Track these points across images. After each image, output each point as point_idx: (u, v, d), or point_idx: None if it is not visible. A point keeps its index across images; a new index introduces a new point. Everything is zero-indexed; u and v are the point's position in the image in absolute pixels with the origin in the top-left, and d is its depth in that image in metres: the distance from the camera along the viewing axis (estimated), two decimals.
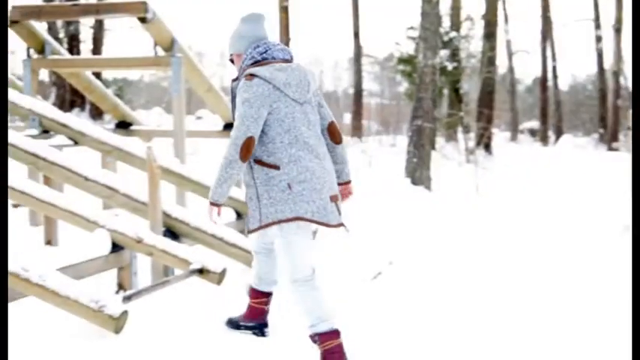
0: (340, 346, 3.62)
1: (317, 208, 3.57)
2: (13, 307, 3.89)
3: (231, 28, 3.80)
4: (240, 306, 4.38)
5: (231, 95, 3.77)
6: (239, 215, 6.15)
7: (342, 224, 3.76)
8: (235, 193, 5.95)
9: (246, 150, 3.49)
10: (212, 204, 3.62)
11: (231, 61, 3.84)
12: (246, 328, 4.05)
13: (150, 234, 4.78)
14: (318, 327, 3.62)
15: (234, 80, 3.76)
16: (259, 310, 4.08)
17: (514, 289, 5.16)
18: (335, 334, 3.63)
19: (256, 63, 3.67)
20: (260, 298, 4.07)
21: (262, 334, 4.04)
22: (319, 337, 3.63)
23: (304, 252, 3.68)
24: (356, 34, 25.54)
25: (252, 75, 3.57)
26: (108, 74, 26.20)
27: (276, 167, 3.57)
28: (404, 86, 27.63)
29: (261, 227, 3.61)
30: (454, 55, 20.19)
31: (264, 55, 3.69)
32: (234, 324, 4.06)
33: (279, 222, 3.55)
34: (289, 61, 3.76)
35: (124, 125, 9.66)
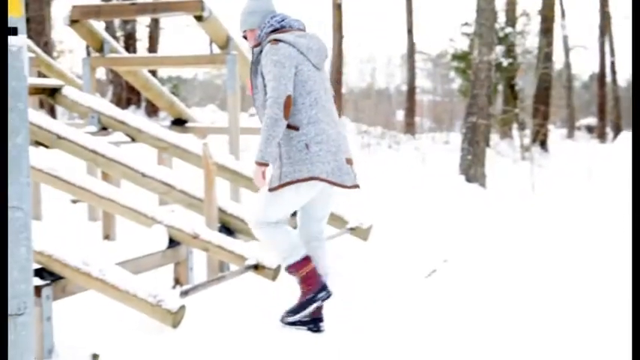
0: (314, 270, 3.93)
1: (332, 169, 3.77)
2: (73, 301, 3.98)
3: (241, 6, 3.97)
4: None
5: (252, 61, 3.88)
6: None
7: (357, 185, 3.93)
8: None
9: (287, 108, 3.67)
10: (261, 164, 3.75)
11: (245, 37, 3.99)
12: (302, 323, 4.02)
13: (206, 230, 4.83)
14: (290, 259, 3.91)
15: (255, 46, 3.88)
16: (314, 274, 4.02)
17: (570, 292, 5.08)
18: (306, 260, 3.93)
19: (276, 31, 3.84)
20: (306, 264, 4.02)
21: (317, 328, 4.03)
22: (294, 267, 3.92)
23: (288, 209, 3.90)
24: (409, 31, 25.40)
25: (277, 40, 3.75)
26: (163, 72, 26.57)
27: (296, 128, 3.75)
28: (457, 83, 27.43)
29: (280, 186, 3.76)
30: (509, 51, 19.92)
31: (283, 23, 3.88)
32: (293, 312, 4.02)
33: (297, 181, 3.73)
34: (304, 30, 3.96)
35: (179, 122, 9.76)
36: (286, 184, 3.76)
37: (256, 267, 4.59)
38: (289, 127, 3.75)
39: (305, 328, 4.03)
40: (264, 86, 3.80)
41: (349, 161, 3.88)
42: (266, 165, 3.76)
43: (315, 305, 3.95)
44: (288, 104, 3.68)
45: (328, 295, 3.98)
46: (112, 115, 6.69)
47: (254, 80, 3.88)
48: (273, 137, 3.68)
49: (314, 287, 3.95)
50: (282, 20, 3.89)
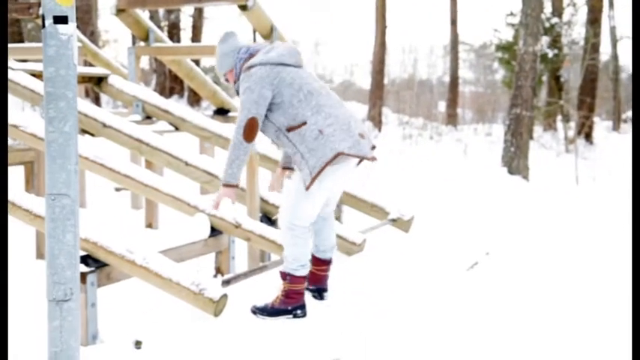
0: (303, 290, 4.03)
1: (351, 144, 3.88)
2: (118, 288, 4.04)
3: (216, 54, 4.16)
4: (335, 290, 4.41)
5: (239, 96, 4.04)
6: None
7: (375, 158, 4.05)
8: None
9: (250, 130, 3.81)
10: (227, 185, 3.88)
11: (226, 80, 4.14)
12: (292, 310, 4.04)
13: (248, 219, 4.86)
14: (299, 271, 3.98)
15: (235, 83, 4.07)
16: (321, 276, 4.28)
17: (613, 287, 5.00)
18: (304, 279, 4.03)
19: (247, 60, 3.99)
20: (321, 265, 4.26)
21: (322, 297, 4.27)
22: (292, 279, 3.98)
23: (317, 205, 3.97)
24: (453, 22, 25.21)
25: (249, 67, 3.90)
26: (206, 62, 26.70)
27: (304, 123, 3.86)
28: (500, 74, 27.13)
29: (314, 178, 3.84)
30: (555, 42, 19.64)
31: (249, 51, 4.04)
32: (263, 311, 4.02)
33: (326, 165, 3.82)
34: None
35: (222, 112, 9.81)
36: (318, 173, 3.84)
37: None
38: (299, 126, 3.87)
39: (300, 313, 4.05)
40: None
41: (362, 135, 3.99)
42: (233, 186, 3.90)
43: (285, 316, 4.02)
44: (251, 126, 3.81)
45: (303, 315, 4.04)
46: (156, 104, 6.75)
47: None
48: (232, 160, 3.84)
49: (295, 303, 4.03)
50: (248, 49, 4.06)
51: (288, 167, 4.35)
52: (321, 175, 3.86)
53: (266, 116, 3.93)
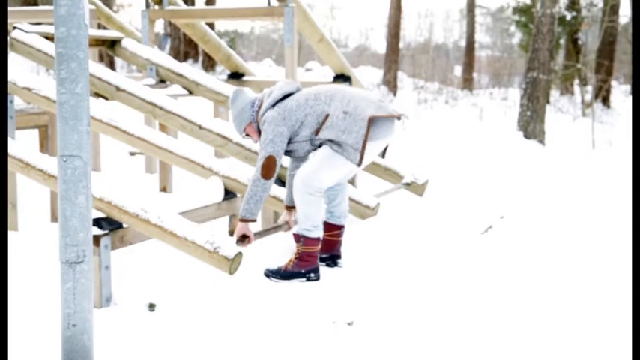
0: (317, 253, 4.06)
1: (375, 108, 3.97)
2: (131, 250, 4.05)
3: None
4: (349, 254, 4.42)
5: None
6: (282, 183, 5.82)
7: (402, 114, 4.18)
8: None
9: (267, 169, 3.93)
10: (244, 220, 3.98)
11: (247, 136, 4.24)
12: (305, 272, 4.07)
13: None
14: (312, 232, 4.01)
15: (257, 135, 4.18)
16: (334, 242, 4.31)
17: (628, 252, 4.96)
18: (318, 240, 4.05)
19: (259, 110, 4.12)
20: (334, 231, 4.30)
21: (335, 264, 4.31)
22: (306, 240, 4.01)
23: (340, 177, 4.07)
24: None
25: (262, 115, 4.07)
26: (220, 26, 26.57)
27: (327, 116, 3.98)
28: (517, 38, 26.83)
29: (361, 155, 3.91)
30: (573, 4, 19.35)
31: (257, 102, 4.14)
32: (276, 274, 4.06)
33: (367, 138, 3.91)
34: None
35: (236, 76, 9.78)
36: (363, 147, 3.92)
37: None
38: (322, 124, 3.98)
39: (314, 276, 4.08)
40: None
41: (382, 101, 4.11)
42: (250, 221, 3.98)
43: (298, 279, 4.04)
44: (268, 164, 3.93)
45: (317, 278, 4.06)
46: (170, 67, 6.72)
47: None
48: (252, 196, 3.94)
49: (309, 265, 4.05)
50: (254, 101, 4.15)
51: (292, 206, 4.38)
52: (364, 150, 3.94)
53: (296, 142, 4.05)
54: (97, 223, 3.70)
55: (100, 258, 3.59)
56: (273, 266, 4.11)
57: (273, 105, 4.06)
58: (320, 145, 4.06)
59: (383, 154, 4.38)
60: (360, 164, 3.96)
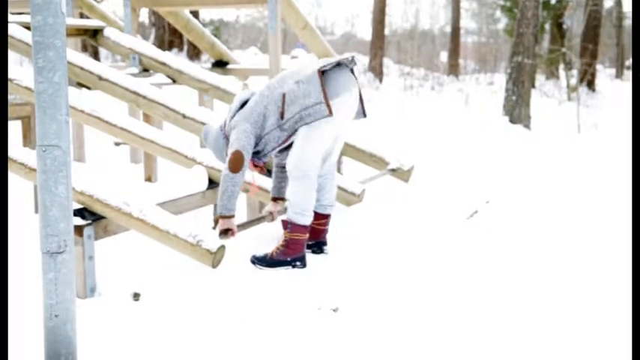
0: (304, 241, 4.07)
1: (321, 64, 4.01)
2: (115, 240, 4.03)
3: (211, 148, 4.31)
4: (335, 241, 4.41)
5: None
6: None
7: (352, 56, 4.17)
8: None
9: (234, 163, 3.92)
10: (224, 217, 3.97)
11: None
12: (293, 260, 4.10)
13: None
14: (300, 218, 4.03)
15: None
16: (320, 230, 4.32)
17: (613, 238, 4.99)
18: (306, 228, 4.06)
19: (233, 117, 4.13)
20: (321, 219, 4.31)
21: (321, 250, 4.33)
22: (293, 227, 4.03)
23: (319, 142, 4.03)
24: None
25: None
26: (205, 15, 26.42)
27: (284, 95, 3.98)
28: (503, 23, 26.85)
29: (329, 106, 3.89)
30: None
31: (223, 126, 4.20)
32: (262, 262, 4.08)
33: (324, 86, 3.92)
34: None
35: (220, 64, 9.72)
36: (326, 97, 3.89)
37: None
38: (282, 105, 3.97)
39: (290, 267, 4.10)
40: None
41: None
42: (229, 217, 3.97)
43: (284, 267, 4.06)
44: (235, 159, 3.92)
45: (303, 266, 4.08)
46: (153, 56, 6.67)
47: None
48: (224, 191, 3.95)
49: (295, 253, 4.07)
50: (222, 126, 4.21)
51: (279, 198, 4.43)
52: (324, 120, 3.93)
53: (266, 134, 4.03)
54: (80, 213, 3.68)
55: (84, 248, 3.56)
56: (260, 253, 4.10)
57: (234, 115, 4.11)
58: (294, 132, 4.03)
59: (363, 113, 4.28)
60: (331, 113, 3.90)
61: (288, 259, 4.05)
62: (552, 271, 4.08)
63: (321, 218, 4.32)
